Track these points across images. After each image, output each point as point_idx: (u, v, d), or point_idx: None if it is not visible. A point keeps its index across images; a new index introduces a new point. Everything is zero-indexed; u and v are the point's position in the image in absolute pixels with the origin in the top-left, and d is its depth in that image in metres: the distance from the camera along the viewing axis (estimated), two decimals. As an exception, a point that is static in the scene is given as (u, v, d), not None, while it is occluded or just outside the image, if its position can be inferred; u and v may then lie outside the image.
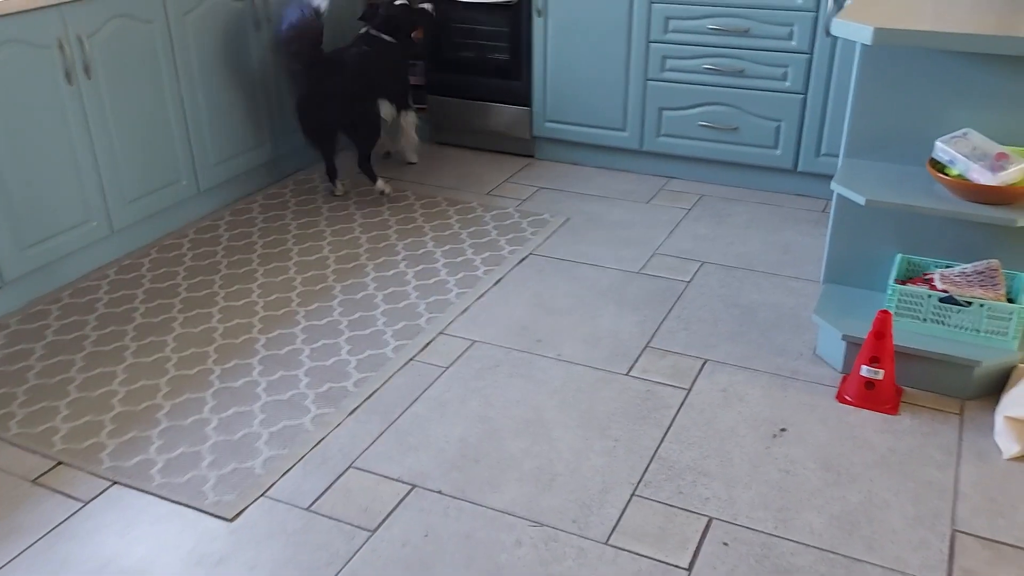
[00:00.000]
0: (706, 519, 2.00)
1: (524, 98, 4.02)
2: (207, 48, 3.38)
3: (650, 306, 2.85)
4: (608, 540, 1.94)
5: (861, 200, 2.32)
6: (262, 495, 2.09)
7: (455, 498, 2.07)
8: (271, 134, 3.78)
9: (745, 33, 3.43)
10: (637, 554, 1.90)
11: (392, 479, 2.14)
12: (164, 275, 3.10)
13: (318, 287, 3.01)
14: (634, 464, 2.16)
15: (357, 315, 2.84)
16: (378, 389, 2.47)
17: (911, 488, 2.07)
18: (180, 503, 2.07)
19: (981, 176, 2.19)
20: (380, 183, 3.72)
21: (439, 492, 2.10)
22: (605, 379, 2.49)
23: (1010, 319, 2.30)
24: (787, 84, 3.44)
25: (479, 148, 4.25)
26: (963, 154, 2.24)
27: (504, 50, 3.99)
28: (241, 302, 2.93)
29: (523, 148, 4.18)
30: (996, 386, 2.36)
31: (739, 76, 3.51)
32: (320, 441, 2.27)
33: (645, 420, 2.32)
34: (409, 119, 4.00)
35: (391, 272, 3.10)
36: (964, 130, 2.29)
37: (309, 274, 3.10)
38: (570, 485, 2.10)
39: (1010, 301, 2.35)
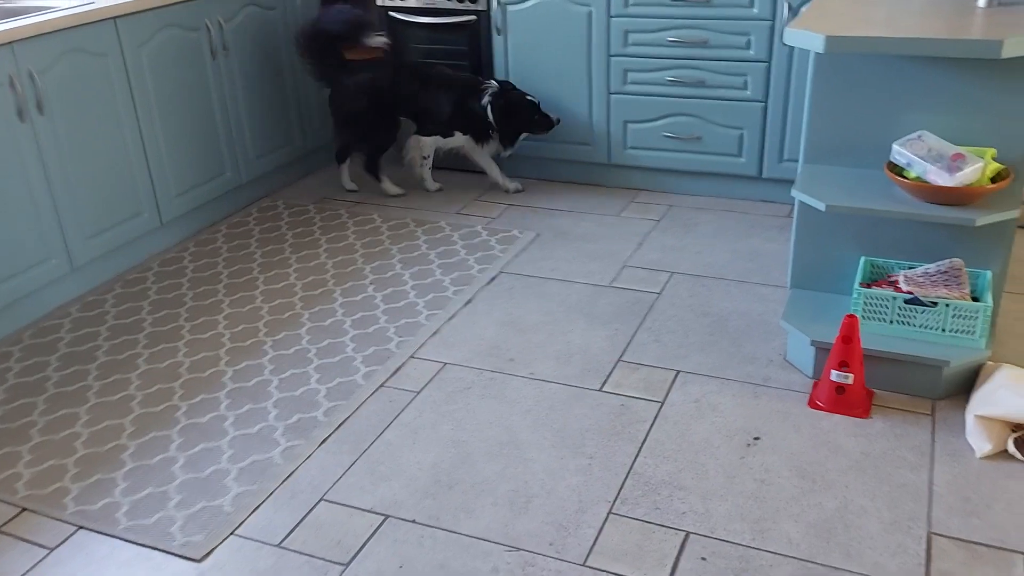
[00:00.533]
0: (683, 534, 1.98)
1: (488, 116, 4.01)
2: (164, 79, 3.35)
3: (621, 319, 2.84)
4: (586, 561, 1.92)
5: (821, 206, 2.33)
6: (231, 534, 2.05)
7: (429, 526, 2.04)
8: (232, 162, 3.74)
9: (704, 44, 3.45)
10: (615, 574, 1.88)
11: (364, 510, 2.11)
12: (128, 310, 3.05)
13: (285, 315, 2.98)
14: (610, 481, 2.15)
15: (326, 342, 2.81)
16: (348, 418, 2.44)
17: (886, 492, 2.07)
18: (147, 546, 2.02)
19: (939, 177, 2.20)
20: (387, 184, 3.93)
21: (413, 521, 2.06)
22: (578, 396, 2.48)
23: (976, 317, 2.32)
24: (747, 93, 3.46)
25: (447, 168, 4.23)
26: (920, 156, 2.26)
27: (465, 69, 3.98)
28: (207, 334, 2.88)
29: (489, 165, 4.16)
30: (966, 385, 2.37)
31: (700, 87, 3.52)
32: (290, 474, 2.24)
33: (619, 436, 2.30)
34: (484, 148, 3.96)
35: (359, 297, 3.07)
36: (919, 132, 2.31)
37: (276, 302, 3.06)
38: (546, 507, 2.08)
39: (974, 299, 2.36)
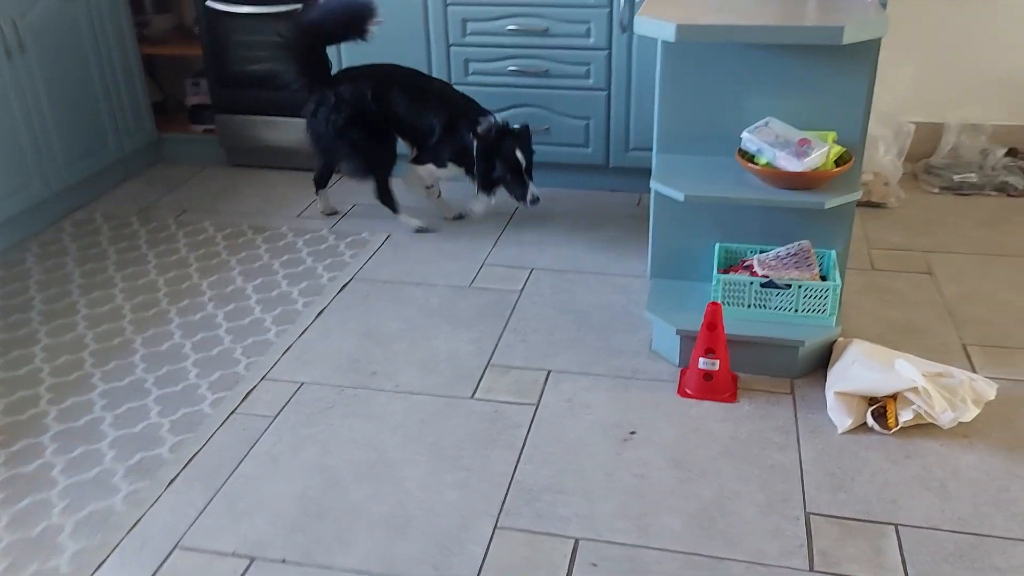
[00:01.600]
0: (572, 541, 1.92)
1: (324, 112, 3.80)
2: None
3: (485, 321, 2.76)
4: (474, 582, 1.83)
5: (680, 197, 2.33)
6: (72, 601, 1.80)
7: (301, 564, 1.88)
8: (39, 172, 3.34)
9: (544, 32, 3.41)
10: (506, 593, 1.80)
11: (227, 554, 1.91)
12: (-79, 349, 2.66)
13: (115, 342, 2.68)
14: (491, 493, 2.06)
15: (164, 369, 2.55)
16: (198, 452, 2.22)
17: (758, 475, 2.10)
18: (-32, 628, 1.75)
19: (788, 163, 2.25)
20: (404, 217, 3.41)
21: (283, 560, 1.89)
22: (449, 406, 2.37)
23: (827, 296, 2.40)
24: (590, 81, 3.46)
25: (281, 167, 3.99)
26: (768, 143, 2.31)
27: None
28: (23, 370, 2.55)
29: (329, 164, 3.96)
30: (821, 362, 2.46)
31: (544, 76, 3.48)
32: (137, 522, 2.00)
33: (496, 443, 2.22)
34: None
35: (198, 316, 2.82)
36: (766, 119, 2.36)
37: (102, 328, 2.75)
38: (426, 527, 1.96)
39: (823, 279, 2.45)
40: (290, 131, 3.88)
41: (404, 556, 1.89)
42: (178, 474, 2.14)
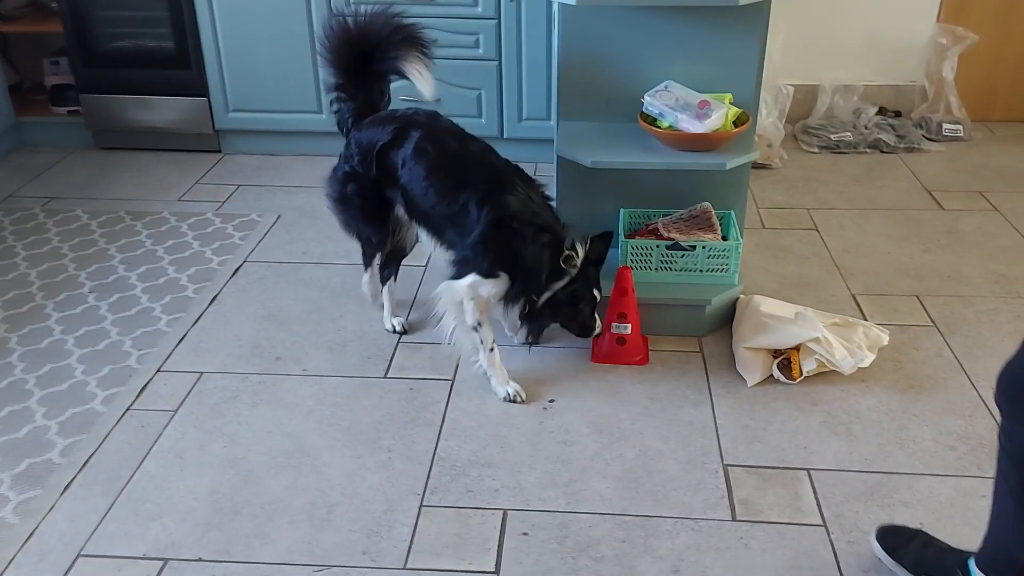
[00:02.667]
0: (501, 512, 1.90)
1: (199, 88, 3.60)
2: None
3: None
4: (406, 564, 1.77)
5: (587, 162, 2.33)
6: (-34, 626, 1.65)
7: (220, 562, 1.78)
8: None
9: (431, 2, 3.33)
10: (441, 571, 1.76)
11: (136, 558, 1.79)
12: None
13: (-14, 343, 2.46)
14: (415, 472, 2.01)
15: (46, 368, 2.35)
16: (94, 453, 2.06)
17: (677, 432, 2.14)
18: None
19: (690, 125, 2.28)
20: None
21: (199, 559, 1.79)
22: (363, 386, 2.29)
23: (729, 256, 2.46)
24: (480, 52, 3.40)
25: (155, 149, 3.76)
26: (669, 106, 2.33)
27: (166, 36, 3.54)
28: None
29: (207, 144, 3.76)
30: (726, 319, 2.52)
31: (433, 47, 3.40)
32: (31, 534, 1.84)
33: (415, 422, 2.17)
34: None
35: (79, 309, 2.62)
36: (666, 83, 2.38)
37: (-31, 329, 2.52)
38: (351, 514, 1.90)
39: (724, 239, 2.51)
40: (162, 110, 3.65)
41: (330, 544, 1.82)
42: (73, 478, 1.99)
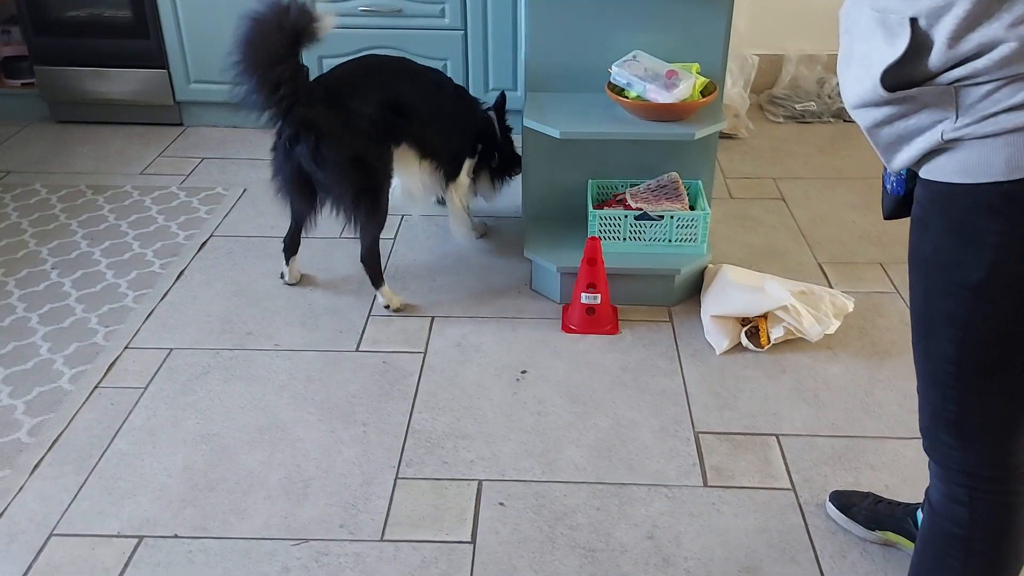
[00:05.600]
0: (476, 483, 1.92)
1: (158, 59, 3.52)
2: None
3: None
4: (383, 536, 1.79)
5: (556, 133, 2.32)
6: (-62, 609, 1.63)
7: (197, 538, 1.78)
8: None
9: (396, -30, 3.28)
10: (417, 541, 1.77)
11: (111, 536, 1.78)
12: None
13: (-55, 322, 2.41)
14: (390, 445, 2.01)
15: (10, 346, 2.31)
16: (63, 432, 2.04)
17: (649, 401, 2.17)
18: None
19: (658, 95, 2.28)
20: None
21: (175, 536, 1.78)
22: (335, 360, 2.29)
23: (697, 225, 2.48)
24: (446, 21, 3.36)
25: (114, 122, 3.67)
26: (637, 76, 2.33)
27: (123, 5, 3.44)
28: None
29: (168, 116, 3.68)
30: (695, 288, 2.55)
31: (398, 16, 3.36)
32: (0, 514, 1.82)
33: (389, 395, 2.17)
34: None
35: (41, 286, 2.57)
36: (634, 52, 2.38)
37: (-72, 308, 2.47)
38: (327, 487, 1.90)
39: (691, 209, 2.53)
40: (120, 82, 3.56)
41: (307, 519, 1.82)
42: (42, 458, 1.96)
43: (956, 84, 1.02)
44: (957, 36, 0.99)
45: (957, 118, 1.04)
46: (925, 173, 1.12)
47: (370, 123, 2.32)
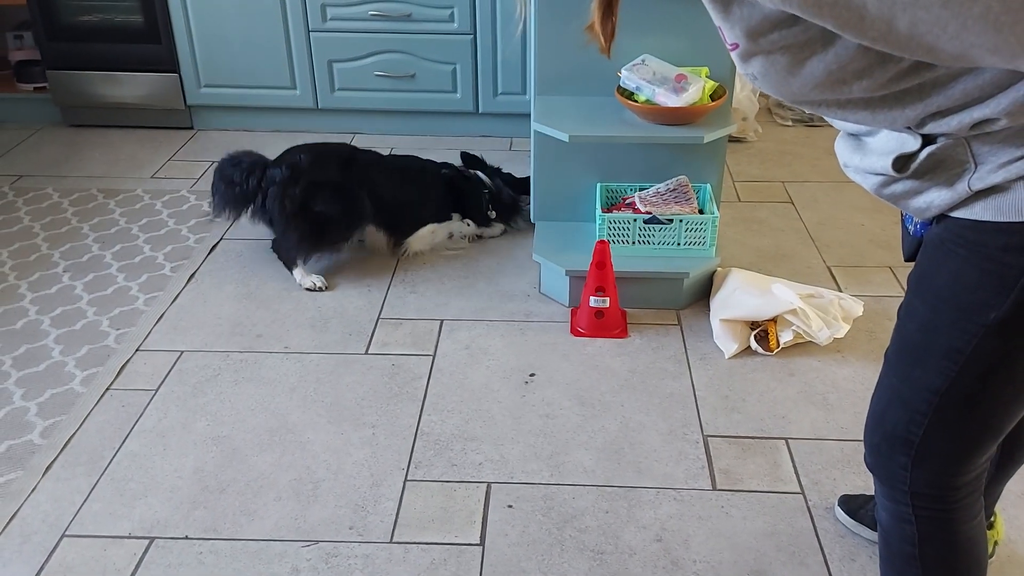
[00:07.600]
0: (485, 486, 1.92)
1: (169, 63, 3.55)
2: None
3: (372, 274, 2.68)
4: (392, 538, 1.79)
5: (565, 137, 2.33)
6: (-48, 608, 1.64)
7: (207, 539, 1.79)
8: None
9: (405, -25, 3.30)
10: (427, 543, 1.78)
11: (122, 537, 1.79)
12: None
13: (-41, 324, 2.43)
14: (399, 447, 2.02)
15: (22, 349, 2.33)
16: (75, 434, 2.05)
17: (657, 404, 2.17)
18: None
19: (667, 99, 2.29)
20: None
21: (185, 537, 1.79)
22: (344, 363, 2.30)
23: (706, 229, 2.48)
24: (455, 25, 3.38)
25: (125, 126, 3.70)
26: (646, 80, 2.33)
27: (134, 10, 3.47)
28: None
29: (179, 120, 3.71)
30: (703, 292, 2.55)
31: (407, 21, 3.37)
32: (13, 515, 1.83)
33: (398, 397, 2.18)
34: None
35: (54, 289, 2.59)
36: (642, 56, 2.38)
37: (-59, 310, 2.49)
38: (337, 489, 1.91)
39: (700, 212, 2.53)
40: (132, 87, 3.59)
41: (317, 520, 1.83)
42: (55, 459, 1.98)
43: (968, 137, 0.99)
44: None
45: (976, 167, 1.00)
46: (954, 212, 1.06)
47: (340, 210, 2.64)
